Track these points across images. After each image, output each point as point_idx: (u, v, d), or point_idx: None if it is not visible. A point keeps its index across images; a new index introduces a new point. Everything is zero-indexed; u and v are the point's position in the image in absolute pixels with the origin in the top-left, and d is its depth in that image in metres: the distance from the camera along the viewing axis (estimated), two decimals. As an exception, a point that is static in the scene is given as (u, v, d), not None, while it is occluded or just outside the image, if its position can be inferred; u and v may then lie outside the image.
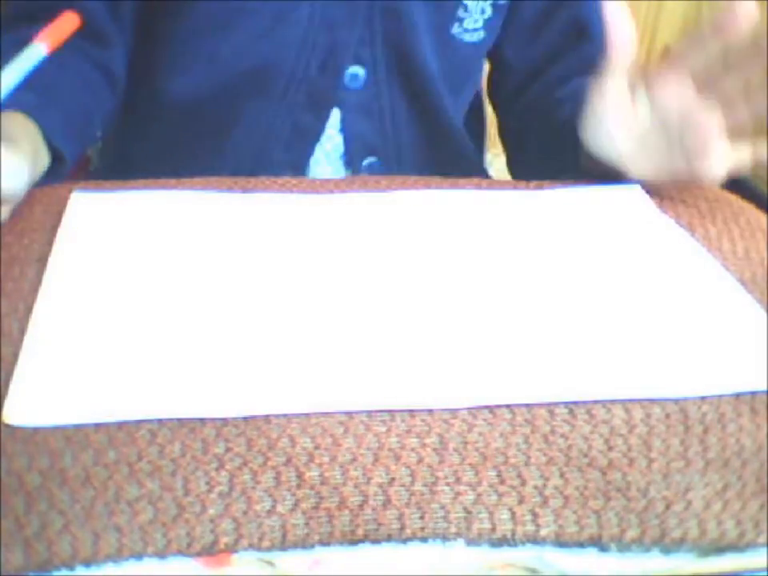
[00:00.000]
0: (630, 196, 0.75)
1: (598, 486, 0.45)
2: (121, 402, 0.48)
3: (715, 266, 0.64)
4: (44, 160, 0.74)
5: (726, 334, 0.57)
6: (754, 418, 0.50)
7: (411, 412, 0.49)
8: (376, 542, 0.41)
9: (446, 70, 0.91)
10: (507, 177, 0.95)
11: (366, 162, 0.92)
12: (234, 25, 0.85)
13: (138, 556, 0.40)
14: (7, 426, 0.46)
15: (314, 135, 0.90)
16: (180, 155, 0.92)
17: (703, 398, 0.51)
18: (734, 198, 0.77)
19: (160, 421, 0.47)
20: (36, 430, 0.46)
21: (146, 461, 0.44)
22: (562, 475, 0.45)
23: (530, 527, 0.43)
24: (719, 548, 0.42)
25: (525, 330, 0.56)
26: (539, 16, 0.95)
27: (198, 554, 0.40)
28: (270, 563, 0.41)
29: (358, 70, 0.88)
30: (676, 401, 0.51)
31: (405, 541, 0.42)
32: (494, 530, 0.42)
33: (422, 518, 0.42)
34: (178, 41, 0.88)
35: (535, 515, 0.43)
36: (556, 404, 0.50)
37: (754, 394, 0.52)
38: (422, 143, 0.94)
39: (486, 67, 1.02)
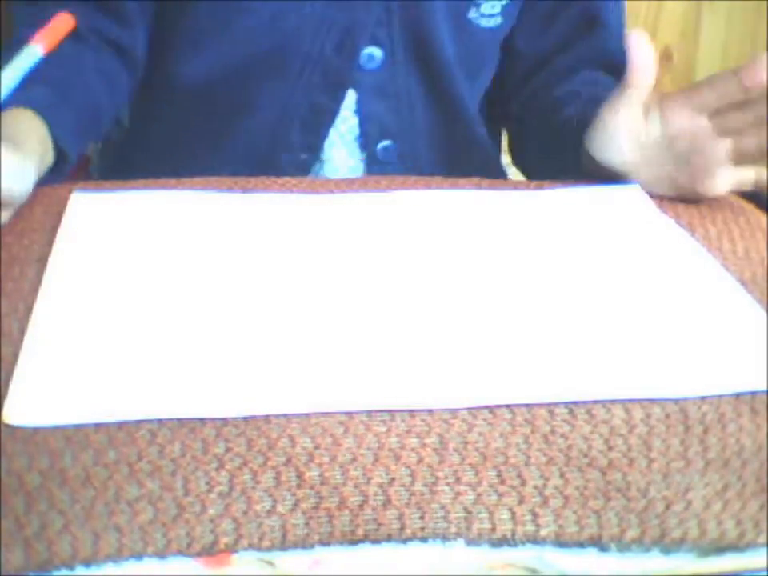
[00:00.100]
0: (629, 196, 0.75)
1: (597, 486, 0.45)
2: (121, 402, 0.48)
3: (715, 266, 0.64)
4: (49, 159, 0.74)
5: (726, 333, 0.57)
6: (754, 418, 0.50)
7: (411, 412, 0.49)
8: (376, 542, 0.41)
9: (462, 54, 0.91)
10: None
11: (381, 146, 0.91)
12: (250, 4, 0.85)
13: (138, 556, 0.40)
14: (7, 426, 0.46)
15: (329, 116, 0.89)
16: (195, 139, 0.91)
17: (703, 398, 0.51)
18: (733, 198, 0.77)
19: (160, 421, 0.47)
20: (36, 430, 0.46)
21: (146, 461, 0.44)
22: (562, 475, 0.45)
23: (530, 527, 0.42)
24: (719, 548, 0.42)
25: (525, 330, 0.56)
26: (553, 5, 0.95)
27: (198, 554, 0.40)
28: (270, 563, 0.41)
29: (374, 51, 0.87)
30: (676, 401, 0.51)
31: (405, 541, 0.42)
32: (493, 530, 0.42)
33: (422, 517, 0.42)
34: (193, 22, 0.87)
35: (535, 515, 0.43)
36: (556, 404, 0.50)
37: (753, 393, 0.51)
38: (437, 127, 0.93)
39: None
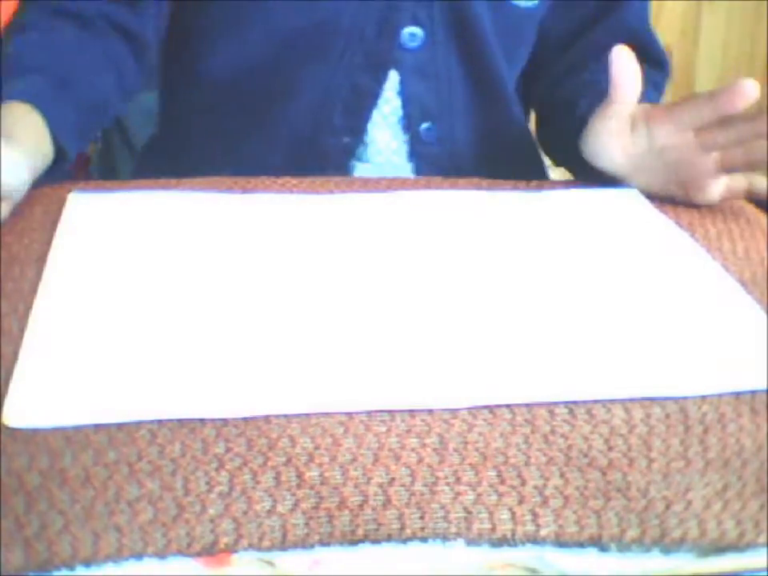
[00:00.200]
0: (629, 197, 0.76)
1: (598, 486, 0.45)
2: (121, 403, 0.48)
3: (715, 266, 0.64)
4: (47, 155, 0.73)
5: (726, 333, 0.57)
6: (754, 418, 0.50)
7: (411, 412, 0.49)
8: (376, 542, 0.41)
9: (500, 34, 0.90)
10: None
11: (423, 127, 0.90)
12: None
13: (138, 556, 0.40)
14: (7, 426, 0.46)
15: (372, 98, 0.88)
16: (235, 128, 0.91)
17: (703, 398, 0.51)
18: (736, 199, 0.77)
19: (160, 421, 0.47)
20: (36, 431, 0.46)
21: (146, 461, 0.44)
22: (562, 475, 0.45)
23: (530, 527, 0.42)
24: (719, 548, 0.42)
25: (525, 330, 0.56)
26: None
27: (198, 554, 0.40)
28: (270, 563, 0.41)
29: (415, 30, 0.87)
30: (676, 401, 0.51)
31: (405, 541, 0.42)
32: (493, 529, 0.42)
33: (422, 517, 0.42)
34: (231, 8, 0.87)
35: (535, 515, 0.43)
36: (556, 404, 0.50)
37: (753, 394, 0.51)
38: (475, 108, 0.93)
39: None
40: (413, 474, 0.45)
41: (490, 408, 0.49)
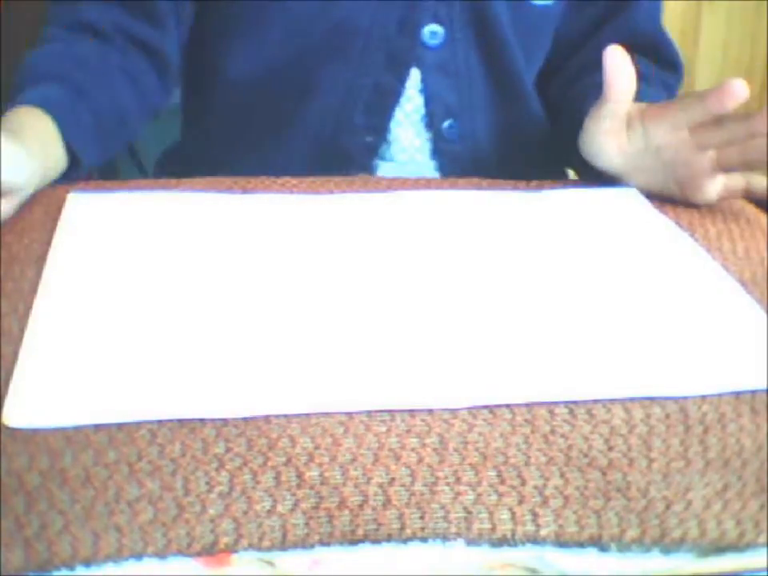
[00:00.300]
0: (628, 197, 0.76)
1: (598, 485, 0.45)
2: (121, 403, 0.48)
3: (715, 266, 0.64)
4: (58, 159, 0.73)
5: (726, 333, 0.57)
6: (754, 418, 0.50)
7: (411, 412, 0.49)
8: (376, 542, 0.41)
9: (518, 32, 0.90)
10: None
11: (446, 124, 0.90)
12: None
13: (138, 556, 0.40)
14: (7, 426, 0.46)
15: (394, 96, 0.88)
16: (257, 129, 0.91)
17: (703, 398, 0.51)
18: (735, 198, 0.77)
19: (160, 421, 0.47)
20: (36, 431, 0.46)
21: (146, 461, 0.44)
22: (562, 475, 0.45)
23: (530, 527, 0.42)
24: (719, 548, 0.42)
25: (525, 330, 0.56)
26: None
27: (198, 554, 0.40)
28: (270, 563, 0.41)
29: (436, 28, 0.87)
30: (676, 401, 0.51)
31: (405, 541, 0.42)
32: (493, 529, 0.42)
33: (422, 517, 0.42)
34: (249, 9, 0.87)
35: (535, 515, 0.43)
36: (556, 404, 0.50)
37: (753, 394, 0.52)
38: (495, 106, 0.93)
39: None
40: (413, 474, 0.45)
41: (490, 408, 0.49)
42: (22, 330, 0.53)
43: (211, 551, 0.40)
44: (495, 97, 0.92)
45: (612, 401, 0.50)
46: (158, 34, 0.87)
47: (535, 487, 0.44)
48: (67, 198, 0.69)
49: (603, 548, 0.42)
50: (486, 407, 0.49)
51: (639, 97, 0.78)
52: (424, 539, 0.42)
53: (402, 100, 0.89)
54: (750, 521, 0.43)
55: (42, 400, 0.48)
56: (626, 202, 0.75)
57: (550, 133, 0.98)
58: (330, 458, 0.45)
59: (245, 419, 0.47)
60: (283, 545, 0.41)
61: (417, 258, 0.64)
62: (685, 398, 0.51)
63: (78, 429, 0.46)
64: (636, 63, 0.77)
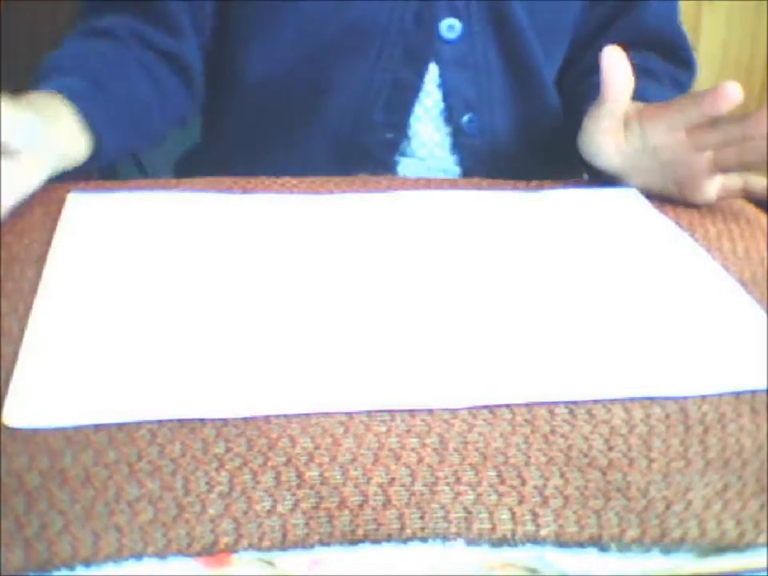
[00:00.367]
0: (628, 197, 0.76)
1: (598, 486, 0.45)
2: (121, 403, 0.48)
3: (715, 266, 0.64)
4: (78, 138, 0.73)
5: (726, 333, 0.57)
6: (754, 418, 0.50)
7: (411, 412, 0.49)
8: (376, 542, 0.41)
9: (536, 25, 0.90)
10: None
11: (465, 119, 0.90)
12: None
13: (138, 556, 0.40)
14: (7, 426, 0.46)
15: (412, 91, 0.88)
16: (275, 129, 0.91)
17: (703, 398, 0.51)
18: (733, 198, 0.77)
19: (160, 421, 0.47)
20: (36, 431, 0.46)
21: (146, 461, 0.44)
22: (562, 475, 0.45)
23: (530, 527, 0.42)
24: (719, 548, 0.42)
25: (525, 330, 0.56)
26: None
27: (198, 554, 0.40)
28: (270, 563, 0.41)
29: (453, 22, 0.87)
30: (676, 401, 0.51)
31: (405, 541, 0.42)
32: (493, 529, 0.42)
33: (422, 517, 0.42)
34: (263, 9, 0.87)
35: (535, 515, 0.43)
36: (556, 404, 0.50)
37: (753, 394, 0.52)
38: (514, 99, 0.93)
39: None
40: (413, 474, 0.45)
41: (490, 408, 0.49)
42: (21, 330, 0.53)
43: (211, 551, 0.40)
44: (514, 90, 0.92)
45: (612, 401, 0.50)
46: (177, 42, 0.87)
47: (535, 487, 0.44)
48: (67, 198, 0.69)
49: (603, 548, 0.42)
50: (486, 407, 0.49)
51: (647, 94, 0.78)
52: (424, 539, 0.42)
53: (421, 95, 0.88)
54: (750, 521, 0.43)
55: (41, 400, 0.48)
56: (626, 202, 0.75)
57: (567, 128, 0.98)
58: (330, 458, 0.45)
59: (245, 419, 0.47)
60: (283, 545, 0.41)
61: (417, 259, 0.64)
62: (685, 397, 0.51)
63: (78, 429, 0.46)
64: (640, 60, 0.77)
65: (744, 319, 0.58)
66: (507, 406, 0.49)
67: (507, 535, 0.42)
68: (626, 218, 0.72)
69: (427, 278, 0.61)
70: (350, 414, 0.48)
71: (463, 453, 0.46)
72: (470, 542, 0.42)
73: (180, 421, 0.47)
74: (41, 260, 0.61)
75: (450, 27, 0.87)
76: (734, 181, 0.75)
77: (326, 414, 0.48)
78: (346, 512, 0.42)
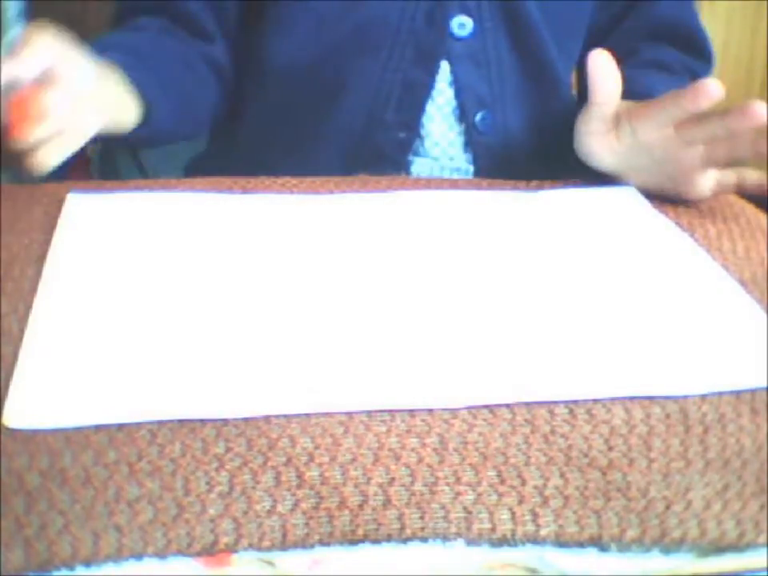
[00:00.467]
0: (627, 196, 0.76)
1: (598, 485, 0.45)
2: (121, 404, 0.48)
3: (715, 266, 0.64)
4: (128, 99, 0.74)
5: (726, 333, 0.57)
6: (754, 418, 0.50)
7: (411, 412, 0.49)
8: (376, 542, 0.41)
9: (549, 20, 0.90)
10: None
11: (478, 117, 0.89)
12: None
13: (138, 556, 0.40)
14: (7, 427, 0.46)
15: (424, 90, 0.88)
16: (289, 128, 0.91)
17: (703, 398, 0.51)
18: (734, 198, 0.77)
19: (160, 421, 0.47)
20: (36, 431, 0.46)
21: (146, 461, 0.44)
22: (562, 475, 0.45)
23: (530, 527, 0.42)
24: (719, 548, 0.42)
25: (525, 330, 0.56)
26: None
27: (198, 554, 0.40)
28: (270, 563, 0.41)
29: (464, 20, 0.87)
30: (676, 401, 0.51)
31: (405, 541, 0.42)
32: (493, 529, 0.42)
33: (422, 518, 0.42)
34: (275, 8, 0.87)
35: (535, 515, 0.43)
36: (556, 404, 0.50)
37: (753, 393, 0.51)
38: (528, 96, 0.92)
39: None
40: (413, 474, 0.45)
41: (490, 408, 0.49)
42: (21, 330, 0.53)
43: (211, 551, 0.41)
44: (527, 87, 0.92)
45: (612, 401, 0.50)
46: (210, 47, 0.88)
47: (535, 487, 0.44)
48: (67, 198, 0.69)
49: (603, 548, 0.42)
50: (486, 407, 0.49)
51: (657, 87, 0.78)
52: (424, 539, 0.42)
53: (433, 94, 0.88)
54: (750, 521, 0.43)
55: (41, 401, 0.48)
56: (625, 202, 0.75)
57: None
58: (330, 458, 0.45)
59: (245, 419, 0.47)
60: (283, 545, 0.41)
61: (416, 258, 0.64)
62: (685, 397, 0.51)
63: (78, 429, 0.46)
64: (651, 55, 0.77)
65: (744, 319, 0.58)
66: (507, 405, 0.49)
67: (507, 535, 0.42)
68: (625, 218, 0.72)
69: (427, 277, 0.61)
70: (349, 414, 0.48)
71: (463, 453, 0.46)
72: (470, 542, 0.42)
73: (180, 421, 0.47)
74: (41, 260, 0.61)
75: (461, 25, 0.86)
76: (728, 175, 0.75)
77: (326, 414, 0.48)
78: (346, 512, 0.42)
